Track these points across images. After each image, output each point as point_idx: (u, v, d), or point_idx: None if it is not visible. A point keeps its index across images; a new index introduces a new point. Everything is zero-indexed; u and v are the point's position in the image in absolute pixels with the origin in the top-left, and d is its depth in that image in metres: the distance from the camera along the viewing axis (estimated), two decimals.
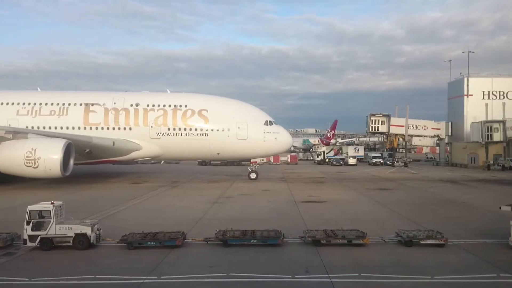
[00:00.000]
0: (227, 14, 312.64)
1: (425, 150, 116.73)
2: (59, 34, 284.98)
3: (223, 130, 45.21)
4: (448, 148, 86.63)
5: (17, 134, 38.71)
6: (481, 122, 71.30)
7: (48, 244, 17.52)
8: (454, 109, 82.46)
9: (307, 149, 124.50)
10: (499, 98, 76.91)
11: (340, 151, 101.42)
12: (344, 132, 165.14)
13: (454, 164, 79.29)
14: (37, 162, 36.22)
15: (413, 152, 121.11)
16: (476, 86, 77.72)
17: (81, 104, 45.58)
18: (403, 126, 79.61)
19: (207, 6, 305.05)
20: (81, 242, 17.63)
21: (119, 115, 45.24)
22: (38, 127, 43.20)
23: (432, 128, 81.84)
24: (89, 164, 47.12)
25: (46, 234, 17.46)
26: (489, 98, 77.01)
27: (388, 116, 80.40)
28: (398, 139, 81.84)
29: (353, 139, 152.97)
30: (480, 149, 73.56)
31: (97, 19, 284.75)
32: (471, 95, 77.66)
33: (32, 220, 17.50)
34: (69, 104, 45.55)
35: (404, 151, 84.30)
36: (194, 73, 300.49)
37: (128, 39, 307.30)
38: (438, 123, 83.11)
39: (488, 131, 70.39)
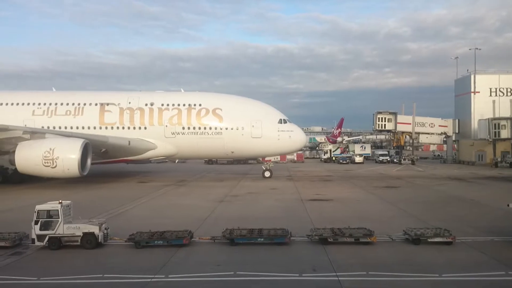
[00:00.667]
0: (232, 13, 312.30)
1: (432, 147, 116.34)
2: (65, 34, 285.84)
3: (237, 129, 45.33)
4: (455, 145, 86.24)
5: (34, 134, 38.92)
6: (488, 119, 70.85)
7: (56, 243, 17.60)
8: (461, 107, 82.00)
9: (314, 147, 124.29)
10: (507, 95, 76.38)
11: (347, 149, 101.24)
12: (350, 130, 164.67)
13: (462, 162, 78.91)
14: (55, 162, 36.36)
15: (420, 149, 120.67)
16: (483, 83, 77.26)
17: (96, 104, 45.85)
18: (410, 123, 79.34)
19: (212, 5, 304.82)
20: (89, 241, 17.70)
21: (134, 114, 45.44)
22: (54, 127, 43.43)
23: (439, 126, 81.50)
24: (104, 163, 47.46)
25: (54, 234, 17.54)
26: (496, 95, 76.50)
27: (394, 114, 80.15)
28: (405, 136, 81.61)
29: (360, 137, 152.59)
30: (488, 146, 73.11)
31: (103, 19, 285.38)
32: (478, 92, 77.24)
33: (40, 220, 17.58)
34: (85, 104, 45.83)
35: (411, 148, 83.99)
36: (199, 73, 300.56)
37: (133, 39, 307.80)
38: (445, 120, 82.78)
39: (495, 128, 69.92)
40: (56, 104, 45.62)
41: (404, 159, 79.89)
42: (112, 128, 44.99)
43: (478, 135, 73.50)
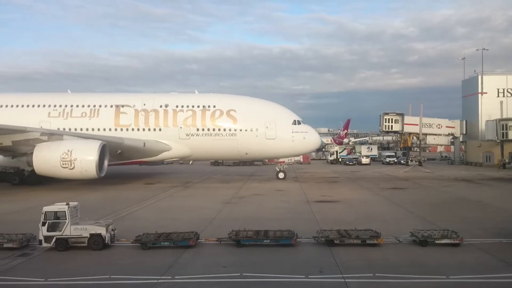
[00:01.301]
0: (237, 14, 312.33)
1: (439, 148, 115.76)
2: (72, 36, 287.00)
3: (251, 130, 45.38)
4: (462, 146, 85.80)
5: (52, 135, 39.19)
6: (496, 120, 70.51)
7: (64, 244, 17.67)
8: (469, 107, 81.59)
9: (320, 148, 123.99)
10: None
11: (353, 151, 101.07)
12: (357, 131, 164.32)
13: (469, 163, 78.54)
14: (73, 163, 36.53)
15: (427, 151, 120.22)
16: (490, 83, 76.85)
17: (111, 106, 46.09)
18: (417, 124, 79.01)
19: (217, 6, 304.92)
20: (96, 242, 17.76)
21: (149, 116, 45.63)
22: (70, 129, 43.68)
23: (447, 127, 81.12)
24: (119, 165, 47.67)
25: (61, 235, 17.61)
26: (504, 96, 76.05)
27: (401, 115, 79.91)
28: (412, 138, 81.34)
29: (366, 138, 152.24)
30: (495, 147, 72.69)
31: (109, 21, 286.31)
32: (486, 93, 76.83)
33: (48, 221, 17.65)
34: (100, 106, 46.04)
35: (418, 150, 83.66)
36: (205, 74, 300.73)
37: (139, 41, 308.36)
38: (453, 121, 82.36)
39: (503, 129, 69.57)
40: (71, 106, 45.87)
41: (411, 160, 79.62)
42: (127, 129, 45.19)
43: (485, 136, 73.13)
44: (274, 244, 18.21)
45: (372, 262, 15.89)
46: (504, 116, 72.06)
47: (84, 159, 36.72)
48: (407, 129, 79.59)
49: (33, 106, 45.98)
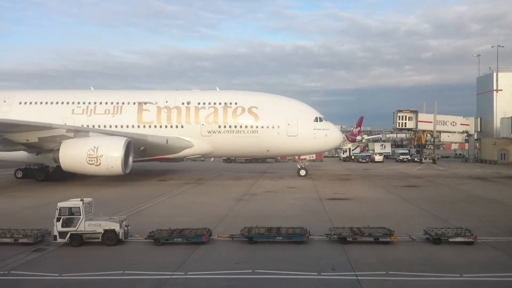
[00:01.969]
0: (249, 11, 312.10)
1: (453, 146, 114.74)
2: (85, 34, 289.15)
3: (273, 127, 45.42)
4: (477, 144, 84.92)
5: (78, 132, 39.59)
6: (511, 117, 69.63)
7: (78, 240, 17.86)
8: (483, 105, 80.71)
9: None
10: None
11: (366, 148, 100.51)
12: (370, 129, 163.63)
13: (484, 161, 77.73)
14: (99, 159, 36.94)
15: (441, 148, 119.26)
16: (506, 81, 75.88)
17: (134, 103, 46.49)
18: (431, 122, 78.35)
19: (229, 3, 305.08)
20: (110, 238, 17.92)
21: (171, 113, 45.90)
22: (93, 126, 44.09)
23: (461, 124, 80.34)
24: (142, 161, 48.11)
25: (75, 231, 17.80)
26: None
27: (415, 112, 79.33)
28: (426, 135, 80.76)
29: (380, 135, 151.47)
30: (510, 145, 71.91)
31: (121, 19, 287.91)
32: (501, 90, 75.92)
33: (62, 217, 17.85)
34: (123, 103, 46.49)
35: (432, 147, 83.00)
36: (217, 71, 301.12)
37: (151, 38, 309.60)
38: (467, 118, 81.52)
39: None
40: (95, 103, 46.34)
41: (425, 158, 78.99)
42: (149, 126, 45.55)
43: (500, 133, 72.30)
44: (286, 241, 18.21)
45: (385, 260, 15.83)
46: None
47: (110, 156, 37.11)
48: (421, 126, 78.99)
49: (57, 103, 46.51)
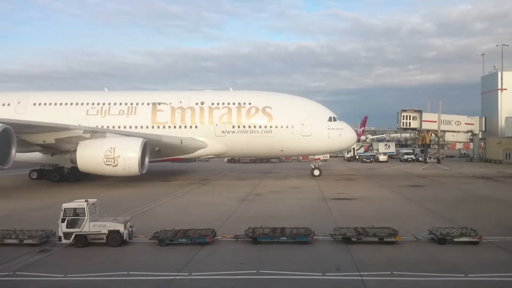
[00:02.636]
0: (252, 11, 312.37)
1: (458, 146, 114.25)
2: (90, 35, 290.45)
3: (287, 127, 45.43)
4: (482, 143, 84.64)
5: (95, 133, 39.73)
6: None
7: (83, 241, 17.90)
8: (488, 104, 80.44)
9: None
10: None
11: (371, 148, 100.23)
12: (374, 128, 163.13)
13: (488, 160, 77.44)
14: (117, 160, 37.06)
15: (446, 148, 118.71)
16: (510, 79, 75.64)
17: (148, 104, 46.64)
18: (435, 121, 78.12)
19: (232, 3, 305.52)
20: (114, 239, 17.95)
21: (185, 113, 45.99)
22: (108, 127, 44.25)
23: (466, 124, 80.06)
24: (156, 162, 48.23)
25: (80, 231, 17.85)
26: None
27: (419, 112, 79.11)
28: (431, 134, 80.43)
29: (384, 135, 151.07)
30: None
31: (125, 19, 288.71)
32: (506, 89, 75.65)
33: (67, 218, 17.91)
34: (137, 104, 46.69)
35: (436, 147, 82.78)
36: (221, 71, 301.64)
37: (155, 38, 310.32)
38: (472, 118, 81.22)
39: None
40: (109, 104, 46.54)
41: (430, 158, 78.71)
42: (164, 127, 45.66)
43: (505, 133, 72.07)
44: (290, 241, 18.19)
45: (390, 260, 15.79)
46: None
47: (127, 156, 37.21)
48: (425, 126, 78.77)
49: (71, 104, 46.76)
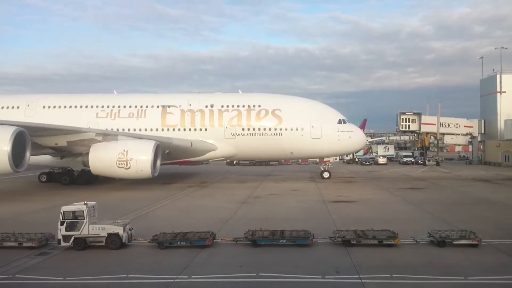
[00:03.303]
0: (252, 15, 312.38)
1: (457, 148, 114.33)
2: (90, 38, 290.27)
3: (296, 130, 45.40)
4: (481, 146, 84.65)
5: (107, 136, 39.73)
6: None
7: (82, 244, 17.89)
8: (487, 107, 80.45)
9: None
10: None
11: (370, 150, 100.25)
12: (373, 131, 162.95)
13: (488, 163, 77.40)
14: (129, 163, 36.94)
15: (445, 150, 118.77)
16: (509, 82, 75.53)
17: (158, 106, 46.64)
18: (434, 124, 78.14)
19: (232, 7, 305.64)
20: (113, 242, 17.94)
21: (195, 116, 45.98)
22: (118, 129, 44.22)
23: (465, 126, 80.00)
24: (165, 164, 48.10)
25: (79, 234, 17.83)
26: None
27: (419, 114, 79.05)
28: (430, 137, 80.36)
29: (383, 138, 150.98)
30: None
31: (125, 22, 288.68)
32: (505, 92, 75.62)
33: (66, 221, 17.90)
34: (147, 107, 46.65)
35: (436, 149, 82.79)
36: (220, 74, 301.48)
37: (155, 42, 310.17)
38: (471, 121, 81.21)
39: None
40: (119, 106, 46.55)
41: (429, 160, 78.76)
42: (173, 129, 45.60)
43: (504, 135, 72.01)
44: (290, 244, 18.20)
45: (389, 263, 15.80)
46: None
47: (140, 159, 37.10)
48: (424, 128, 78.71)
49: (81, 107, 46.78)
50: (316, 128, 45.20)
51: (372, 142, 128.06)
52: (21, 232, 18.99)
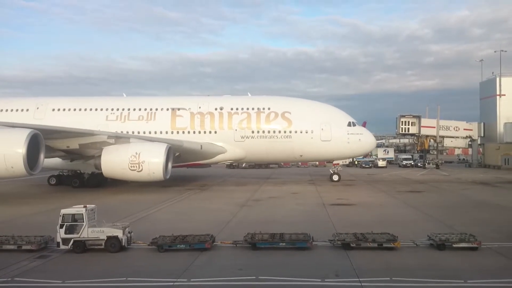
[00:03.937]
0: (251, 17, 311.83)
1: (457, 151, 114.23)
2: (88, 40, 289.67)
3: (306, 132, 45.36)
4: (480, 149, 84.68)
5: (119, 139, 39.74)
6: None
7: (81, 247, 17.86)
8: (487, 110, 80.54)
9: None
10: None
11: (370, 153, 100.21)
12: (373, 134, 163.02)
13: (487, 166, 77.43)
14: (141, 165, 37.00)
15: (444, 153, 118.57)
16: (509, 85, 75.69)
17: (167, 109, 46.67)
18: (434, 127, 78.17)
19: (231, 10, 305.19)
20: (112, 245, 17.90)
21: (204, 119, 45.97)
22: (127, 132, 44.23)
23: (464, 129, 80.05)
24: (175, 167, 48.08)
25: (78, 237, 17.80)
26: None
27: (418, 117, 79.10)
28: (429, 140, 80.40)
29: (383, 140, 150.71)
30: None
31: (124, 25, 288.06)
32: (504, 94, 75.71)
33: (65, 223, 17.87)
34: (156, 109, 46.66)
35: (435, 152, 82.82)
36: (219, 77, 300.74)
37: (154, 44, 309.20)
38: (470, 123, 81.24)
39: None
40: (128, 109, 46.56)
41: (428, 163, 78.75)
42: (183, 132, 45.61)
43: (504, 138, 72.09)
44: (290, 247, 18.16)
45: (389, 266, 15.77)
46: None
47: (152, 162, 37.16)
48: (424, 131, 78.75)
49: (90, 109, 46.81)
50: (326, 131, 45.15)
51: None
52: (20, 235, 18.96)
